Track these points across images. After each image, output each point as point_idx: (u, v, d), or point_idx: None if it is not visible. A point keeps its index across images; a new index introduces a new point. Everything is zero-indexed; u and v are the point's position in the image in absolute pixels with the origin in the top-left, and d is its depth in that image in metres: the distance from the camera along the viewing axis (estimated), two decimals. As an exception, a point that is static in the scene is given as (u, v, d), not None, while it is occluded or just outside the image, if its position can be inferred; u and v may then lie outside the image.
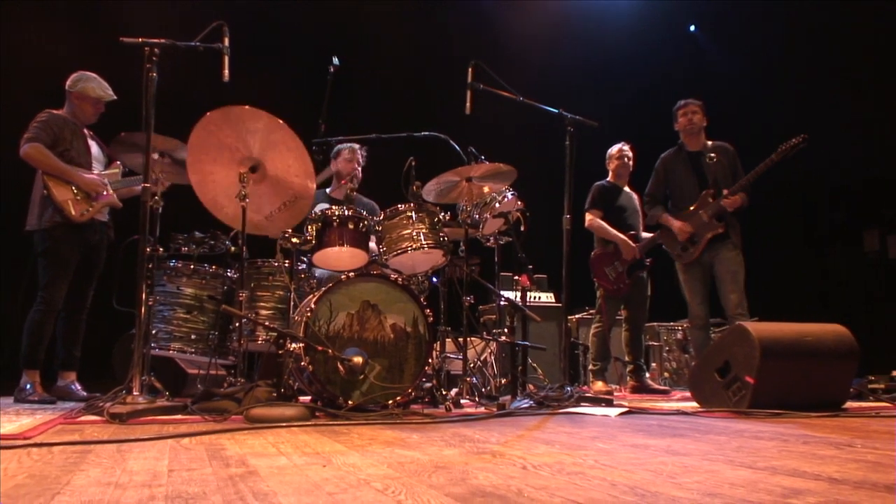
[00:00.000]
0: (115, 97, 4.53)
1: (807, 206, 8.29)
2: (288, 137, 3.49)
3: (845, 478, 1.45)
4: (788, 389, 3.27)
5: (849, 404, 3.64)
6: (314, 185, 3.69)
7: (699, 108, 5.20)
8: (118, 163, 4.50)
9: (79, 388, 4.44)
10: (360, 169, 4.86)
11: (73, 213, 4.23)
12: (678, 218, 5.12)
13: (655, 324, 6.62)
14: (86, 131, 4.52)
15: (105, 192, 4.37)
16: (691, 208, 5.07)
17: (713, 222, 4.96)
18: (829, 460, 1.71)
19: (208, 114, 3.36)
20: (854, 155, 6.43)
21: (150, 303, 3.39)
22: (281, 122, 3.44)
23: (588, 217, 5.61)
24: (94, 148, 4.52)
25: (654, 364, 6.63)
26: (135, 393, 3.00)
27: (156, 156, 3.56)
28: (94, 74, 4.50)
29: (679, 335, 6.66)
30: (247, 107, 3.37)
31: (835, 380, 3.51)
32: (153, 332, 3.66)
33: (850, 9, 7.32)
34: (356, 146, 4.85)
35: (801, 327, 3.49)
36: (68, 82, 4.45)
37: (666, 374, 6.61)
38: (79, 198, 4.27)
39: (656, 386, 5.71)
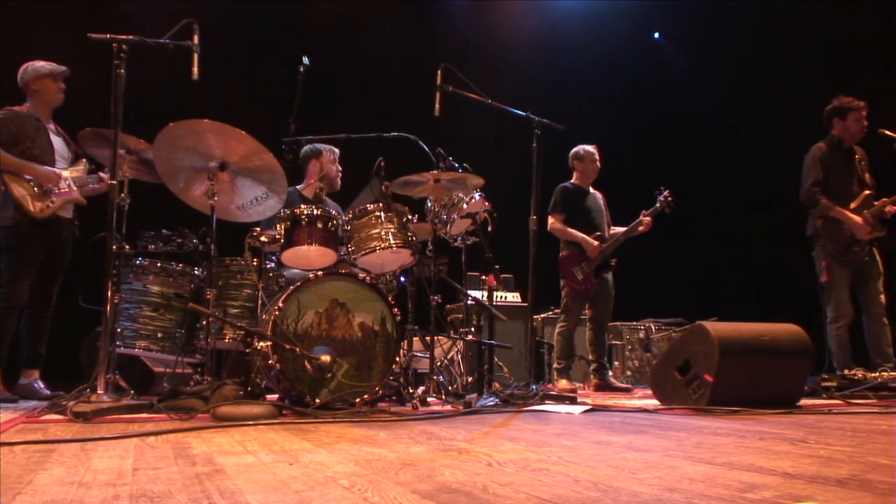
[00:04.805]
0: (66, 68, 4.42)
1: (764, 208, 8.51)
2: (256, 146, 3.47)
3: (799, 472, 1.50)
4: (746, 387, 3.35)
5: (803, 402, 3.74)
6: (286, 184, 3.68)
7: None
8: (84, 161, 4.42)
9: (42, 386, 4.36)
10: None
11: (32, 209, 4.15)
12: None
13: (618, 323, 6.70)
14: (51, 126, 4.44)
15: (62, 188, 4.28)
16: (853, 206, 5.00)
17: (877, 224, 4.94)
18: (784, 456, 1.77)
19: (170, 125, 3.32)
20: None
21: (117, 301, 3.35)
22: (245, 133, 3.42)
23: (550, 220, 5.66)
24: (58, 144, 4.43)
25: (616, 362, 6.72)
26: (99, 391, 2.96)
27: (122, 152, 3.52)
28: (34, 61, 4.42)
29: (641, 334, 6.76)
30: (206, 120, 3.34)
31: (790, 378, 3.61)
32: (119, 330, 3.62)
33: (814, 15, 7.50)
34: (335, 147, 4.80)
35: (758, 327, 3.57)
36: (19, 76, 4.36)
37: (628, 373, 6.70)
38: (38, 193, 4.20)
39: (619, 384, 5.79)
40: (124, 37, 3.16)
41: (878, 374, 4.23)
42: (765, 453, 1.81)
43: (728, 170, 8.41)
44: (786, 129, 7.45)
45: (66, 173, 4.35)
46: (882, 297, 4.94)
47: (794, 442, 2.07)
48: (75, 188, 4.34)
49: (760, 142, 8.14)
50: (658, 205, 5.63)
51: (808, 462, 1.65)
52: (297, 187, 4.74)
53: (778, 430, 2.40)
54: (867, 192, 4.99)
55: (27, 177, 4.19)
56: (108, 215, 3.14)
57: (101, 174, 4.33)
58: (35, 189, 4.19)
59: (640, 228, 5.61)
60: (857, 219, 4.95)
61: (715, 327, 3.44)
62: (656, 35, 9.85)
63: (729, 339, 3.38)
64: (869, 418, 2.95)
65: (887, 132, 4.99)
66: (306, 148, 4.71)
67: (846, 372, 4.45)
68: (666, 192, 5.64)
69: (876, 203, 4.97)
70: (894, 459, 1.70)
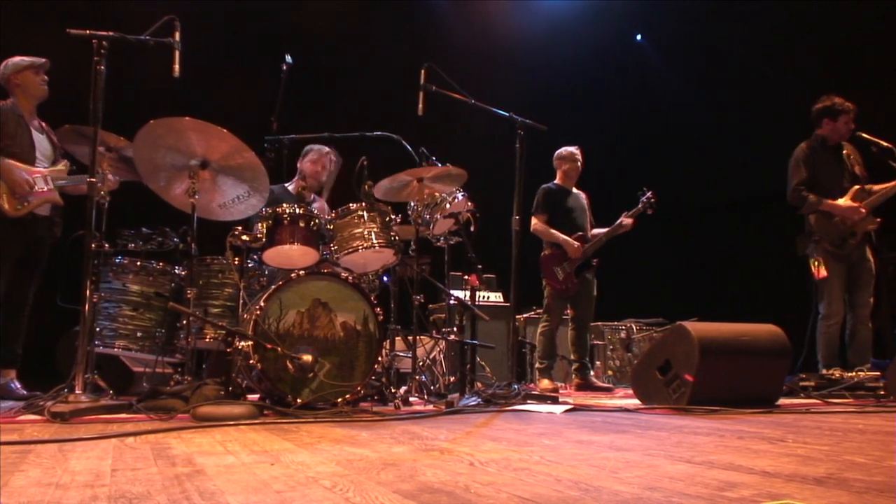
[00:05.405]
0: (45, 60, 4.38)
1: (745, 208, 8.59)
2: (238, 144, 3.45)
3: (777, 471, 1.51)
4: (725, 387, 3.38)
5: (782, 401, 3.78)
6: (267, 183, 3.66)
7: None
8: (66, 161, 4.36)
9: (18, 386, 4.30)
10: (324, 173, 4.81)
11: (6, 207, 4.09)
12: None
13: (600, 323, 6.74)
14: (35, 123, 4.38)
15: (38, 188, 4.22)
16: (843, 200, 4.95)
17: (870, 217, 4.90)
18: (762, 454, 1.78)
19: (151, 122, 3.30)
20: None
21: (95, 300, 3.31)
22: (227, 131, 3.40)
23: (533, 221, 5.69)
24: (41, 142, 4.37)
25: (598, 362, 6.76)
26: (77, 391, 2.93)
27: (102, 149, 3.48)
28: None
29: (623, 334, 6.81)
30: (187, 118, 3.32)
31: (769, 377, 3.65)
32: (98, 329, 3.58)
33: (799, 14, 7.57)
34: (325, 149, 4.79)
35: (737, 327, 3.61)
36: (0, 72, 4.32)
37: (610, 372, 6.74)
38: (14, 192, 4.14)
39: (600, 384, 5.81)
40: (104, 33, 3.13)
41: (854, 373, 4.29)
42: (744, 452, 1.83)
43: (709, 170, 8.48)
44: (769, 128, 7.51)
45: (44, 170, 4.29)
46: (871, 300, 4.99)
47: (773, 441, 2.09)
48: (54, 188, 4.27)
49: (742, 142, 8.21)
50: (640, 206, 5.67)
51: (787, 461, 1.67)
52: (286, 185, 4.75)
53: (757, 430, 2.42)
54: (857, 186, 4.99)
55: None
56: (88, 213, 3.11)
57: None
58: (9, 187, 4.13)
59: (621, 230, 5.65)
60: (847, 203, 4.91)
61: (695, 327, 3.47)
62: (638, 37, 9.91)
63: (709, 339, 3.42)
64: (846, 417, 2.99)
65: (865, 135, 5.05)
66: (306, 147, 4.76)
67: (824, 372, 4.51)
68: (649, 194, 5.68)
69: (875, 188, 4.95)
70: (870, 458, 1.73)
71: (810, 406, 3.63)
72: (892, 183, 4.90)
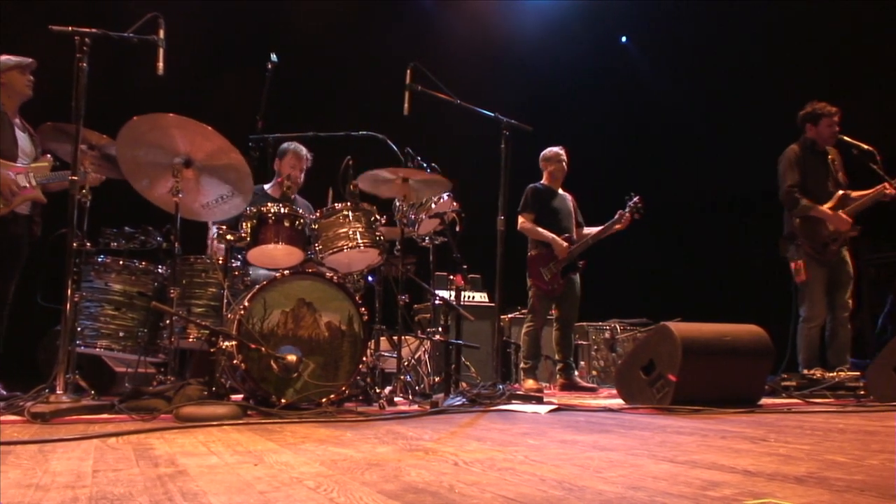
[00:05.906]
0: (33, 60, 4.31)
1: (728, 209, 8.65)
2: (224, 144, 3.43)
3: (759, 470, 1.53)
4: (708, 387, 3.41)
5: (764, 401, 3.81)
6: (251, 184, 3.64)
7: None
8: (48, 156, 4.32)
9: (-3, 386, 4.26)
10: (303, 175, 4.78)
11: None
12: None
13: (584, 323, 6.77)
14: (17, 121, 4.33)
15: (21, 185, 4.17)
16: (828, 206, 5.00)
17: (853, 223, 4.96)
18: (744, 454, 1.80)
19: (134, 119, 3.27)
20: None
21: (77, 299, 3.28)
22: (212, 129, 3.38)
23: (520, 220, 5.70)
24: (23, 140, 4.32)
25: (582, 362, 6.78)
26: (58, 392, 2.89)
27: (84, 147, 3.45)
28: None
29: (607, 334, 6.84)
30: (171, 115, 3.30)
31: (751, 377, 3.68)
32: (79, 329, 3.54)
33: (784, 21, 7.63)
34: (303, 150, 4.75)
35: (720, 327, 3.64)
36: None
37: (594, 373, 6.77)
38: (2, 192, 4.09)
39: (584, 384, 5.84)
40: (86, 30, 3.10)
41: (835, 373, 4.34)
42: (726, 451, 1.84)
43: (694, 171, 8.54)
44: (754, 129, 7.57)
45: (25, 166, 4.23)
46: (850, 301, 5.04)
47: (755, 440, 2.10)
48: (37, 185, 4.23)
49: (724, 143, 8.28)
50: (627, 210, 5.68)
51: (768, 460, 1.69)
52: (265, 186, 4.71)
53: (739, 429, 2.44)
54: (841, 192, 5.04)
55: None
56: (69, 211, 3.07)
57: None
58: None
59: (617, 226, 5.65)
60: (840, 213, 4.97)
61: (678, 328, 3.49)
62: (623, 39, 9.97)
63: (692, 340, 3.44)
64: (826, 417, 3.02)
65: (847, 138, 5.11)
66: (281, 146, 4.71)
67: (805, 372, 4.55)
68: (636, 199, 5.70)
69: (853, 194, 5.01)
70: (850, 457, 1.74)
71: (792, 406, 3.66)
72: (874, 190, 4.97)
